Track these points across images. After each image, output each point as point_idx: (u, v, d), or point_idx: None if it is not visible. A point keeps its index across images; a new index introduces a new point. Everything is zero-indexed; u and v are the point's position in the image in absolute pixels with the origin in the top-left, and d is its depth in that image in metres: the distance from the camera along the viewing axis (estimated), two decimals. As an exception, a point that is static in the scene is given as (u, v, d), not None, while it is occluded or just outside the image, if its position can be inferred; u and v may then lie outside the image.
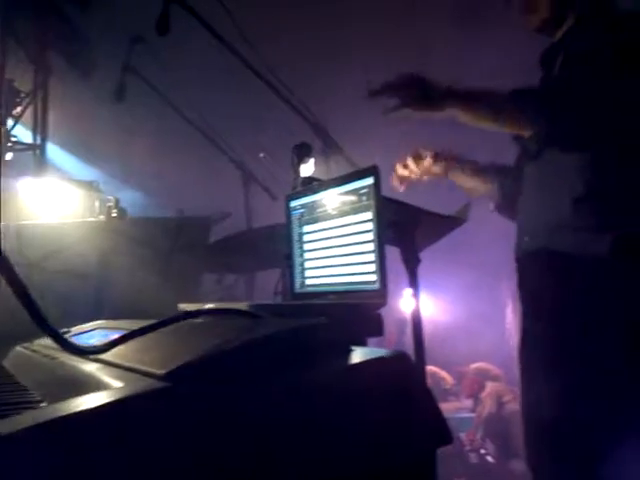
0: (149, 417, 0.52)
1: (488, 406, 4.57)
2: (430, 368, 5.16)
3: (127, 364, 0.64)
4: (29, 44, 3.89)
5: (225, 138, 3.27)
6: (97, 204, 1.97)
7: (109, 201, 1.98)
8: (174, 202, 2.76)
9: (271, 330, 0.67)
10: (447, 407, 4.90)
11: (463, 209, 1.75)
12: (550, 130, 1.58)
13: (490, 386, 4.82)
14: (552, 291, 1.61)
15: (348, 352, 0.68)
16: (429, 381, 4.88)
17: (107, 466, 0.50)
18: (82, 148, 4.39)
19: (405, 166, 1.90)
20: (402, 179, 1.92)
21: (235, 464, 0.53)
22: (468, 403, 4.99)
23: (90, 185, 2.16)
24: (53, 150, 4.00)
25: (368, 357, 0.67)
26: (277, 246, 2.22)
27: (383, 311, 1.38)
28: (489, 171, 1.94)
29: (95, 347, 0.73)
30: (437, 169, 1.90)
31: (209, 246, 2.25)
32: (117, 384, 0.60)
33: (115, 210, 1.94)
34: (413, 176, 1.90)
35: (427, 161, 1.87)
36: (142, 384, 0.56)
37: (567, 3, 1.65)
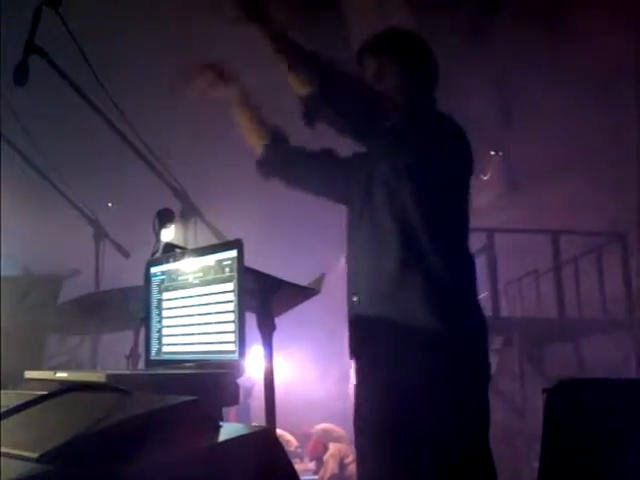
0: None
1: (330, 468, 4.66)
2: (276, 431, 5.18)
3: (3, 449, 0.63)
4: None
5: (78, 193, 3.17)
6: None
7: (-50, 258, 1.85)
8: (19, 257, 2.63)
9: (142, 409, 0.70)
10: (292, 469, 4.92)
11: (317, 280, 1.86)
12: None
13: (333, 447, 4.92)
14: (378, 356, 1.75)
15: (216, 429, 0.72)
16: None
17: None
18: None
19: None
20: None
21: None
22: (312, 465, 5.05)
23: None
24: None
25: (235, 434, 0.71)
26: (130, 309, 2.18)
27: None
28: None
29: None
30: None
31: (57, 307, 2.16)
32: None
33: (-44, 267, 1.82)
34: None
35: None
36: (16, 468, 0.56)
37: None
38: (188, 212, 2.51)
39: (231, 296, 1.39)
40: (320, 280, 1.85)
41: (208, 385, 1.21)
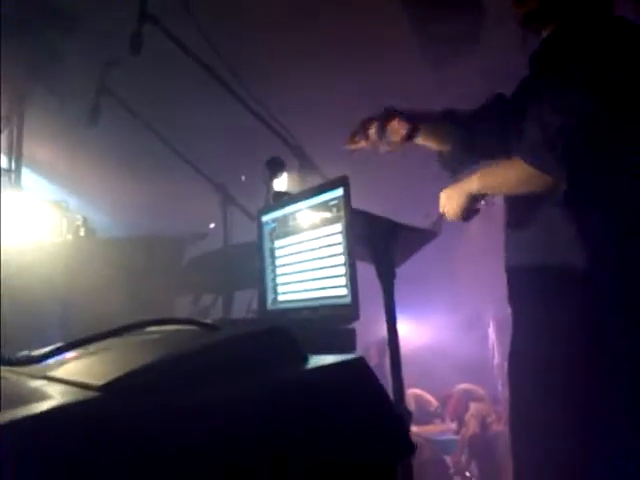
0: (79, 428, 0.48)
1: (472, 427, 4.52)
2: (414, 391, 5.11)
3: (69, 378, 0.61)
4: (7, 69, 3.86)
5: (202, 159, 3.23)
6: (65, 224, 1.92)
7: (77, 220, 1.93)
8: (148, 225, 2.71)
9: (218, 337, 0.64)
10: (432, 430, 4.84)
11: (436, 222, 1.73)
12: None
13: (474, 407, 4.77)
14: (543, 307, 1.59)
15: (302, 358, 0.65)
16: (413, 404, 4.82)
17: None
18: (52, 171, 4.36)
19: (362, 132, 1.85)
20: (355, 145, 1.88)
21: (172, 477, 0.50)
22: (453, 425, 4.93)
23: (58, 205, 2.10)
24: (24, 172, 3.95)
25: (323, 363, 0.63)
26: (254, 264, 2.18)
27: (364, 332, 1.34)
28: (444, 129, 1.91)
29: (28, 357, 0.69)
30: (399, 136, 1.84)
31: (183, 267, 2.20)
32: (53, 398, 0.56)
33: (83, 229, 1.90)
34: (369, 144, 1.86)
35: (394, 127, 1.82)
36: (75, 396, 0.52)
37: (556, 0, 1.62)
38: (306, 167, 2.46)
39: (339, 238, 1.30)
40: (439, 222, 1.72)
41: (316, 330, 1.14)
